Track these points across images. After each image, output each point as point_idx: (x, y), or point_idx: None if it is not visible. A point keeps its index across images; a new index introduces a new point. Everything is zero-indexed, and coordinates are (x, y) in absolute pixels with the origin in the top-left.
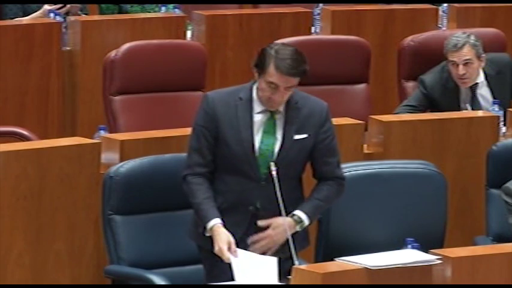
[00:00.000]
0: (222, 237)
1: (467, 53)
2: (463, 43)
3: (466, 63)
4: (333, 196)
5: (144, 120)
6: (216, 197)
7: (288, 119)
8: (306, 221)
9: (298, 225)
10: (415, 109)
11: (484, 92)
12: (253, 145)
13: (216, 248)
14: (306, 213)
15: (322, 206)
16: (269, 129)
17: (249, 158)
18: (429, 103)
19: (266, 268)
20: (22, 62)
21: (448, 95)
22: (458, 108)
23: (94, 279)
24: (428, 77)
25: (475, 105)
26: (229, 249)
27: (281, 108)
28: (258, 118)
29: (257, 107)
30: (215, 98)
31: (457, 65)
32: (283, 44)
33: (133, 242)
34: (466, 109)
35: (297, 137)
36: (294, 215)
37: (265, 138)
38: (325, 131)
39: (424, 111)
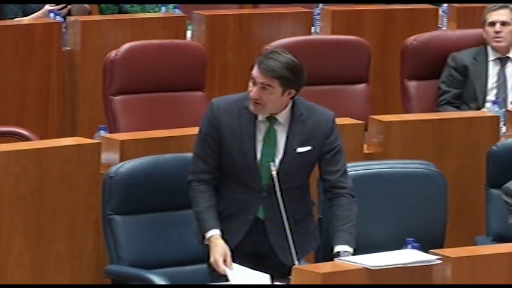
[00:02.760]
0: (218, 249)
1: (505, 14)
2: (501, 5)
3: (503, 24)
4: (354, 212)
5: (144, 120)
6: (220, 203)
7: (291, 131)
8: (350, 249)
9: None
10: (451, 95)
11: (510, 70)
12: (255, 157)
13: (212, 260)
14: (346, 244)
15: (353, 227)
16: (269, 140)
17: (251, 169)
18: (460, 75)
19: (259, 282)
20: (22, 62)
21: (477, 66)
22: (486, 80)
23: (94, 279)
24: (460, 52)
25: (501, 79)
26: (224, 261)
27: (281, 119)
28: (260, 127)
29: (260, 115)
30: (220, 107)
31: (494, 24)
32: (285, 51)
33: (133, 242)
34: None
35: (300, 149)
36: (338, 253)
37: (265, 149)
38: (330, 142)
39: (460, 94)
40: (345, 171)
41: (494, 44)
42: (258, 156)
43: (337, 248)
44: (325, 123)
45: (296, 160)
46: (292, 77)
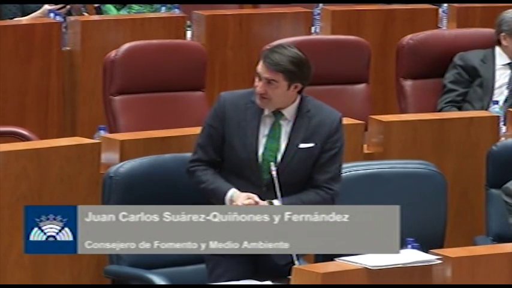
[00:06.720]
0: (242, 194)
1: None
2: None
3: None
4: (318, 203)
5: (144, 120)
6: None
7: (296, 126)
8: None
9: None
10: (457, 94)
11: None
12: (256, 151)
13: (240, 203)
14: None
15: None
16: (273, 134)
17: (252, 163)
18: (468, 74)
19: None
20: (22, 62)
21: (485, 68)
22: (493, 82)
23: (94, 279)
24: (467, 52)
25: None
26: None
27: (287, 115)
28: (265, 122)
29: (266, 110)
30: (227, 100)
31: None
32: (290, 45)
33: None
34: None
35: (302, 145)
36: (270, 202)
37: (269, 143)
38: (333, 141)
39: (465, 93)
40: (337, 176)
41: None
42: (261, 150)
43: (274, 201)
44: (331, 122)
45: (297, 155)
46: (296, 71)
